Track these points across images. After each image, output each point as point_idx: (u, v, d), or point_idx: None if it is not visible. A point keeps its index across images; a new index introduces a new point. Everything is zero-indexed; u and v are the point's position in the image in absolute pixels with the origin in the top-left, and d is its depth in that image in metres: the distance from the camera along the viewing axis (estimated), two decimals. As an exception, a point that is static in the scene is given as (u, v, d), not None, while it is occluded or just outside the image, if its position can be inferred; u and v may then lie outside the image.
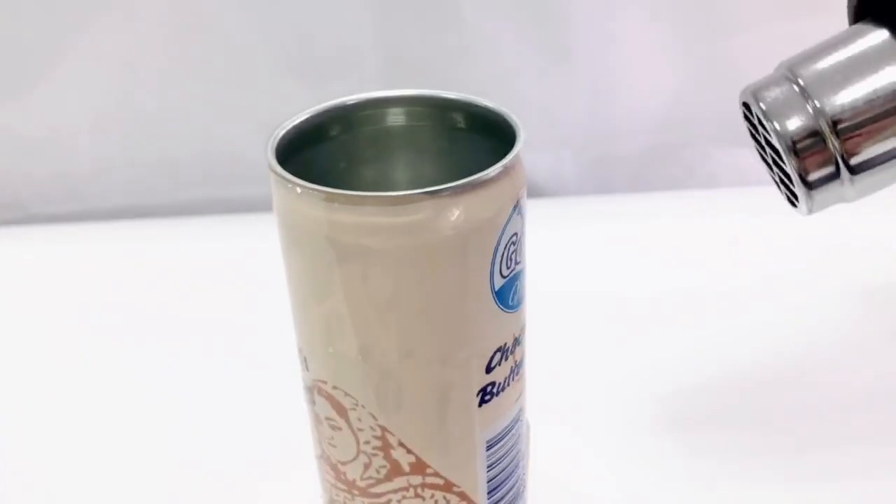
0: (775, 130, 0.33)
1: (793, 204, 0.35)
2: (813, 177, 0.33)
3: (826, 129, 0.32)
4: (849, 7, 0.35)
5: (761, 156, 0.36)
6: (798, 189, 0.33)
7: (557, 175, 0.63)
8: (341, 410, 0.29)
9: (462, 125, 0.30)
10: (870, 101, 0.32)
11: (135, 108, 0.60)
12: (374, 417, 0.28)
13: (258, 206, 0.60)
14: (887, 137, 0.32)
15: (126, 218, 0.61)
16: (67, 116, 0.60)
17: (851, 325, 0.47)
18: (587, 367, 0.44)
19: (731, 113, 0.61)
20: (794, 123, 0.33)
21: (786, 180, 0.34)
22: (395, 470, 0.29)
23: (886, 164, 0.33)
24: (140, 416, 0.43)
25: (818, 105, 0.32)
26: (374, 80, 0.59)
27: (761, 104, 0.33)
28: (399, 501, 0.30)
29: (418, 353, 0.27)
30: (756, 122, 0.34)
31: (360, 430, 0.29)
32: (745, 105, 0.35)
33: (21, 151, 0.61)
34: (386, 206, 0.25)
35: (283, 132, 0.29)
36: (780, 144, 0.33)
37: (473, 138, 0.30)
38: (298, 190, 0.26)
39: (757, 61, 0.58)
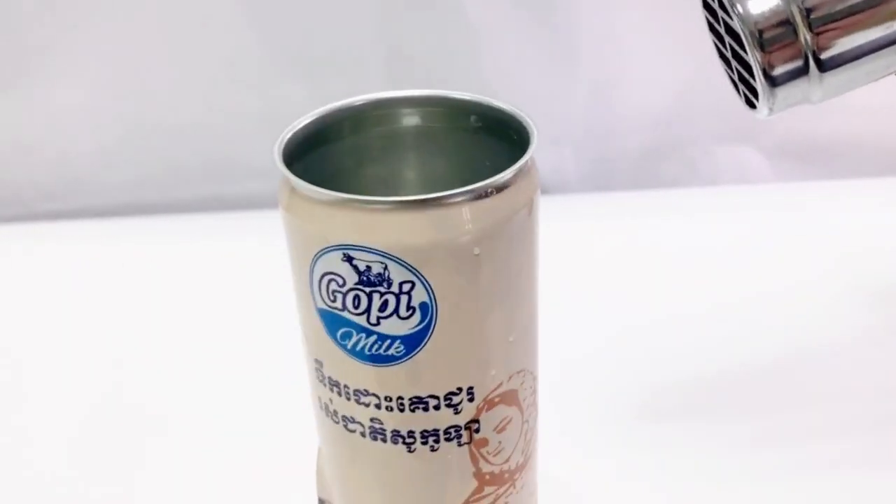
0: (739, 15, 0.29)
1: (751, 105, 0.32)
2: (778, 71, 0.29)
3: (798, 18, 0.29)
4: None
5: (719, 50, 0.33)
6: (760, 85, 0.30)
7: (559, 172, 0.62)
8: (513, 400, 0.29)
9: (473, 126, 0.30)
10: None
11: (135, 105, 0.60)
12: None
13: (258, 203, 0.60)
14: (862, 30, 0.29)
15: (127, 215, 0.61)
16: (68, 113, 0.60)
17: (853, 321, 0.47)
18: (587, 365, 0.44)
19: (733, 111, 0.61)
20: (761, 7, 0.29)
21: (746, 75, 0.31)
22: None
23: (858, 62, 0.30)
24: (139, 415, 0.43)
25: None
26: (375, 78, 0.59)
27: None
28: None
29: None
30: (716, 4, 0.31)
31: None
32: None
33: (22, 148, 0.61)
34: (397, 210, 0.25)
35: (291, 133, 0.28)
36: (744, 32, 0.29)
37: (485, 139, 0.30)
38: (305, 192, 0.26)
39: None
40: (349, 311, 0.26)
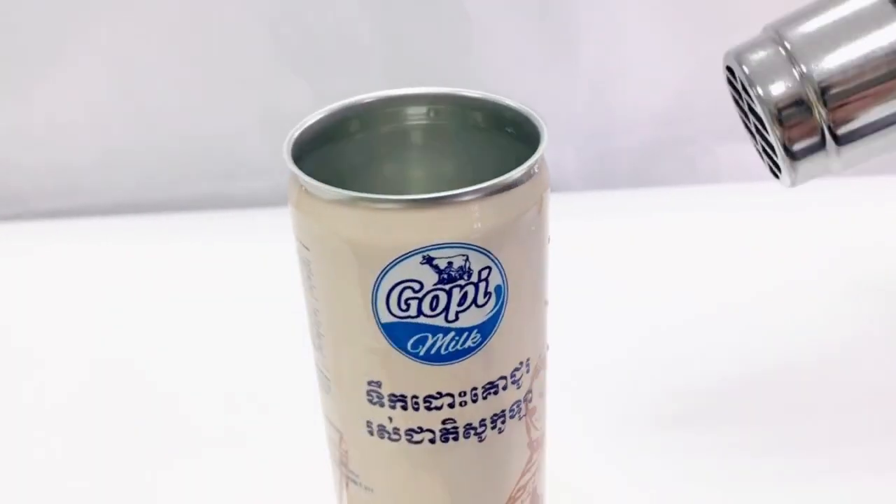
0: (759, 97, 0.31)
1: (775, 175, 0.33)
2: (797, 147, 0.31)
3: (812, 97, 0.30)
4: None
5: (744, 123, 0.35)
6: (781, 159, 0.32)
7: (559, 170, 0.62)
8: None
9: (483, 124, 0.30)
10: (859, 67, 0.30)
11: (135, 102, 0.60)
12: None
13: (259, 201, 0.60)
14: (876, 106, 0.31)
15: (126, 213, 0.61)
16: (67, 111, 0.60)
17: (855, 320, 0.47)
18: (588, 364, 0.44)
19: (734, 109, 0.61)
20: (779, 89, 0.31)
21: (769, 150, 0.33)
22: None
23: (874, 135, 0.31)
24: (139, 413, 0.43)
25: (805, 70, 0.30)
26: (376, 75, 0.59)
27: (745, 68, 0.31)
28: None
29: None
30: (740, 86, 0.33)
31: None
32: (729, 69, 0.33)
33: (21, 146, 0.61)
34: (407, 208, 0.25)
35: (300, 130, 0.28)
36: (764, 112, 0.31)
37: (494, 137, 0.30)
38: (315, 191, 0.26)
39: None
40: (424, 316, 0.26)
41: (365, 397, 0.28)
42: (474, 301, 0.26)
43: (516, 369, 0.28)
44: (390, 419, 0.28)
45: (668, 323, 0.47)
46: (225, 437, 0.41)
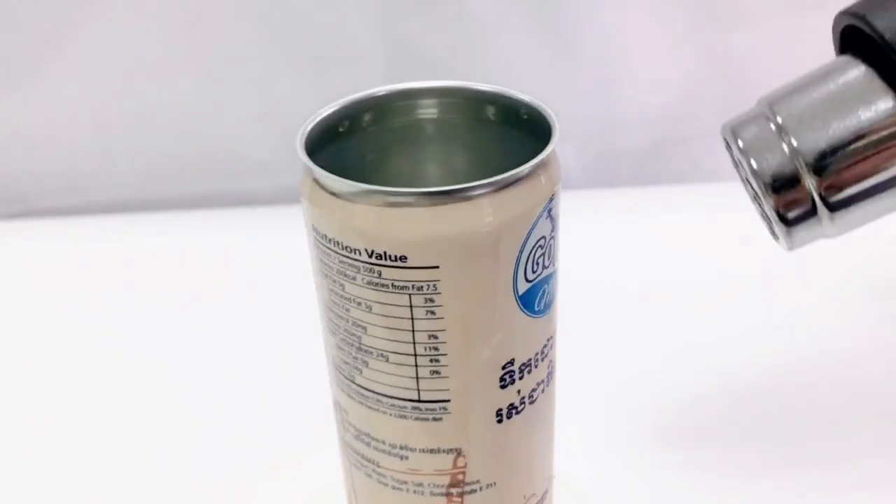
0: (752, 169, 0.32)
1: (775, 238, 0.35)
2: (791, 215, 0.32)
3: (802, 169, 0.32)
4: (833, 37, 0.34)
5: (745, 188, 0.36)
6: (777, 227, 0.33)
7: (562, 168, 0.62)
8: None
9: (494, 118, 0.30)
10: (848, 140, 0.32)
11: (136, 101, 0.60)
12: None
13: (260, 199, 0.60)
14: (865, 175, 0.32)
15: (127, 211, 0.61)
16: (69, 110, 0.60)
17: (857, 321, 0.47)
18: (590, 362, 0.44)
19: (736, 106, 0.61)
20: (771, 162, 0.32)
21: (767, 216, 0.34)
22: None
23: (865, 202, 0.32)
24: (140, 412, 0.43)
25: (795, 144, 0.32)
26: (377, 73, 0.59)
27: (739, 142, 0.33)
28: None
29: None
30: (736, 158, 0.34)
31: None
32: (726, 140, 0.35)
33: (22, 145, 0.61)
34: (418, 201, 0.25)
35: (312, 124, 0.28)
36: (758, 183, 0.32)
37: (505, 131, 0.30)
38: (327, 183, 0.26)
39: (762, 54, 0.59)
40: (546, 268, 0.28)
41: (498, 385, 0.28)
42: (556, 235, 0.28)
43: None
44: (518, 391, 0.29)
45: (671, 321, 0.47)
46: (226, 434, 0.41)
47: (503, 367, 0.28)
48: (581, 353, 0.44)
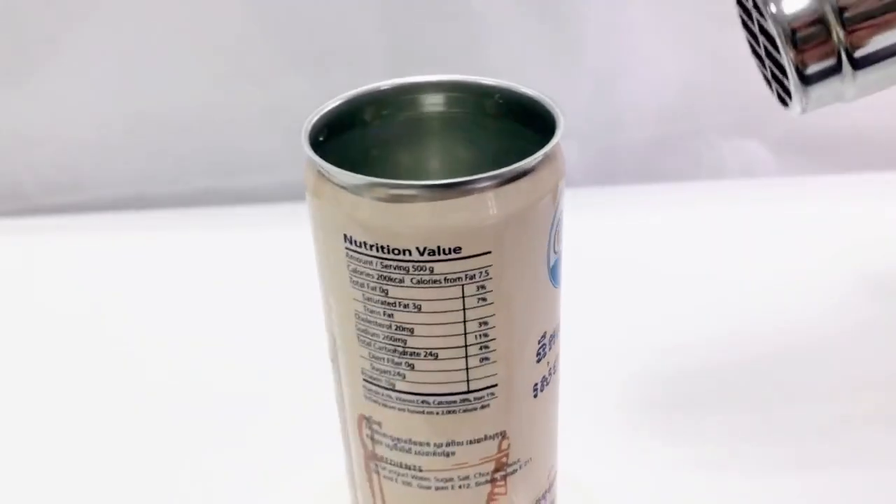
0: (772, 14, 0.29)
1: (784, 102, 0.32)
2: (811, 70, 0.29)
3: (830, 16, 0.29)
4: None
5: (752, 48, 0.33)
6: (793, 84, 0.30)
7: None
8: None
9: (498, 112, 0.30)
10: None
11: (138, 98, 0.60)
12: None
13: (261, 196, 0.60)
14: None
15: (129, 209, 0.61)
16: (70, 107, 0.60)
17: (858, 316, 0.47)
18: (591, 359, 0.44)
19: (739, 103, 0.61)
20: (794, 7, 0.29)
21: (779, 74, 0.31)
22: None
23: (892, 59, 0.29)
24: (141, 410, 0.43)
25: None
26: (379, 71, 0.59)
27: None
28: None
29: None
30: (750, 4, 0.31)
31: None
32: None
33: (24, 142, 0.61)
34: (424, 194, 0.25)
35: (316, 117, 0.28)
36: (777, 31, 0.29)
37: (510, 125, 0.30)
38: (334, 176, 0.26)
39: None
40: (560, 244, 0.29)
41: (535, 360, 0.29)
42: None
43: None
44: (548, 363, 0.29)
45: (673, 317, 0.47)
46: (227, 433, 0.41)
47: (538, 342, 0.28)
48: (584, 349, 0.44)
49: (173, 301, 0.51)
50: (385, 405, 0.28)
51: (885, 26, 0.29)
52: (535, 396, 0.29)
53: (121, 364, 0.46)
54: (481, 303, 0.26)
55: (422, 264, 0.26)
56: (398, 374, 0.28)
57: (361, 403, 0.29)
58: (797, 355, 0.44)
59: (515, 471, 0.30)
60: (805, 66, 0.29)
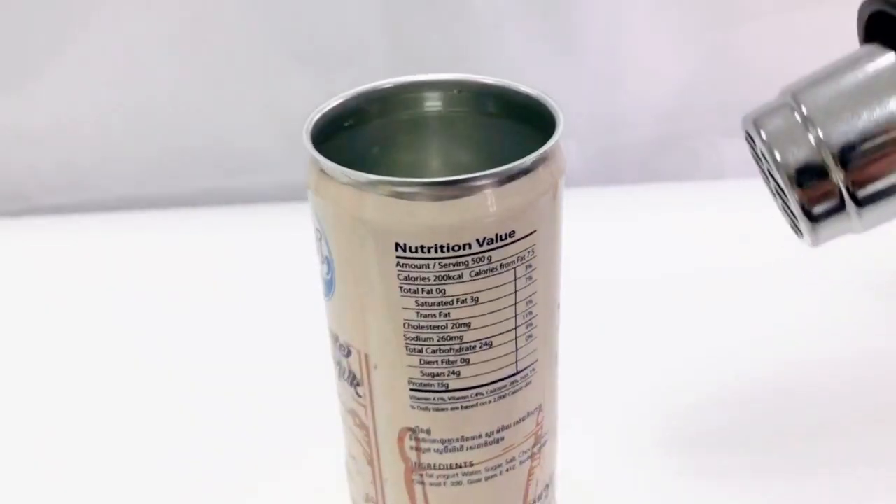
0: (776, 162, 0.31)
1: (798, 234, 0.34)
2: (817, 210, 0.31)
3: (830, 161, 0.30)
4: (858, 25, 0.33)
5: (766, 182, 0.35)
6: (802, 222, 0.32)
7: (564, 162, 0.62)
8: None
9: (498, 111, 0.30)
10: (876, 132, 0.30)
11: (139, 98, 0.60)
12: None
13: (263, 196, 0.60)
14: (894, 166, 0.31)
15: (130, 209, 0.61)
16: (71, 107, 0.60)
17: (859, 317, 0.47)
18: (591, 360, 0.43)
19: (739, 103, 0.61)
20: (796, 155, 0.31)
21: (790, 211, 0.33)
22: None
23: (894, 196, 0.31)
24: (141, 409, 0.43)
25: (821, 135, 0.30)
26: (380, 70, 0.59)
27: (762, 134, 0.32)
28: None
29: None
30: (759, 152, 0.33)
31: None
32: (748, 133, 0.33)
33: (25, 142, 0.60)
34: (424, 192, 0.25)
35: (317, 116, 0.28)
36: (782, 176, 0.31)
37: (510, 124, 0.30)
38: (335, 174, 0.26)
39: (765, 50, 0.59)
40: None
41: (556, 328, 0.30)
42: None
43: None
44: (558, 329, 0.31)
45: (672, 316, 0.47)
46: (228, 433, 0.41)
47: (558, 310, 0.30)
48: (584, 350, 0.44)
49: (173, 301, 0.51)
50: (437, 410, 0.28)
51: (883, 167, 0.31)
52: (556, 364, 0.31)
53: (121, 364, 0.46)
54: (528, 282, 0.27)
55: (480, 255, 0.26)
56: (452, 372, 0.28)
57: (406, 415, 0.29)
58: (801, 358, 0.44)
59: (546, 441, 0.31)
60: (811, 206, 0.31)
